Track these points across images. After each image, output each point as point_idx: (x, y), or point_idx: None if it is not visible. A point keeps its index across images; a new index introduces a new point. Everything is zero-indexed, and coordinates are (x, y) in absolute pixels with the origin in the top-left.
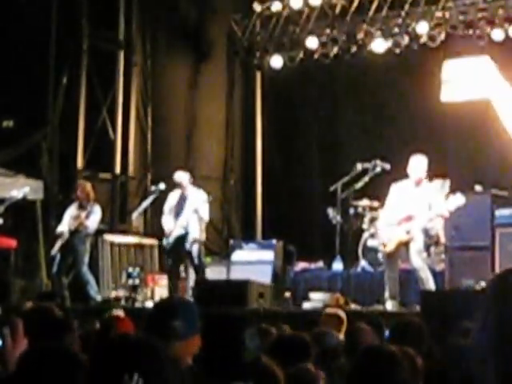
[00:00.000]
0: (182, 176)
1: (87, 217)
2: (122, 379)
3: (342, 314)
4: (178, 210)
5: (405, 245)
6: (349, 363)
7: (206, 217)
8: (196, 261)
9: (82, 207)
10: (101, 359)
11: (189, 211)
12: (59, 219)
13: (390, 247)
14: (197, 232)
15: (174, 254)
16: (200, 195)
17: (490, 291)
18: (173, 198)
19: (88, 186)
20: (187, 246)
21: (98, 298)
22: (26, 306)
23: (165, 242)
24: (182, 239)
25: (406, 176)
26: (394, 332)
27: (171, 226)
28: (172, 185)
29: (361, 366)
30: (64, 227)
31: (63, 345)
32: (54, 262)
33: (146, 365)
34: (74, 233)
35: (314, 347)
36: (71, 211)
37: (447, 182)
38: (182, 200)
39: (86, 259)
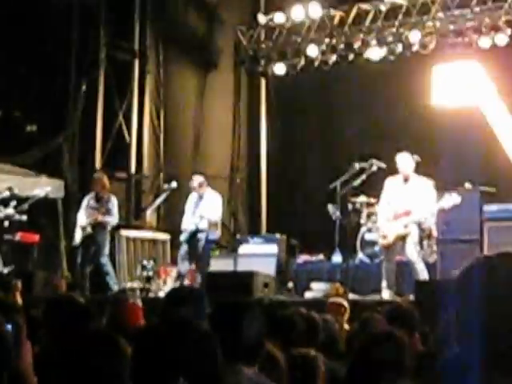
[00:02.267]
0: (194, 179)
1: (108, 213)
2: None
3: (346, 303)
4: (194, 210)
5: (401, 239)
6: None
7: (213, 217)
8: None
9: (98, 198)
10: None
11: (202, 211)
12: None
13: (389, 240)
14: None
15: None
16: (213, 197)
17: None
18: (190, 198)
19: (103, 177)
20: (198, 242)
21: (116, 288)
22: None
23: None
24: (193, 235)
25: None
26: (387, 317)
27: (185, 224)
28: (184, 183)
29: (368, 349)
30: (84, 220)
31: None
32: (78, 254)
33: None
34: (94, 226)
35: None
36: (88, 202)
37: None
38: (199, 200)
39: (107, 250)
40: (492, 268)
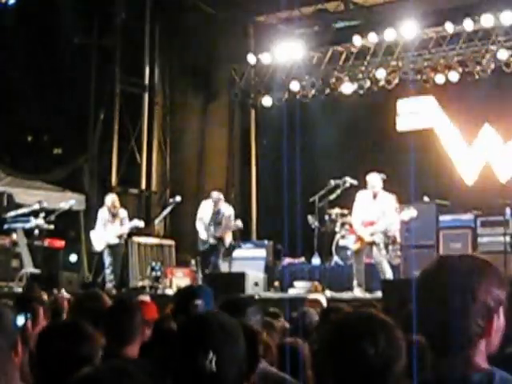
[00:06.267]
0: (217, 195)
1: (122, 224)
2: (197, 356)
3: (323, 298)
4: (214, 221)
5: (369, 244)
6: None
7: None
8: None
9: (113, 214)
10: (178, 338)
11: (228, 222)
12: None
13: (358, 246)
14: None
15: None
16: (231, 210)
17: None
18: (206, 208)
19: (115, 197)
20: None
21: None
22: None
23: (201, 246)
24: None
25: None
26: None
27: (205, 236)
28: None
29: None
30: (101, 231)
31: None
32: (103, 258)
33: (219, 342)
34: (117, 238)
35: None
36: (104, 217)
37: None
38: (217, 212)
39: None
40: (443, 266)
